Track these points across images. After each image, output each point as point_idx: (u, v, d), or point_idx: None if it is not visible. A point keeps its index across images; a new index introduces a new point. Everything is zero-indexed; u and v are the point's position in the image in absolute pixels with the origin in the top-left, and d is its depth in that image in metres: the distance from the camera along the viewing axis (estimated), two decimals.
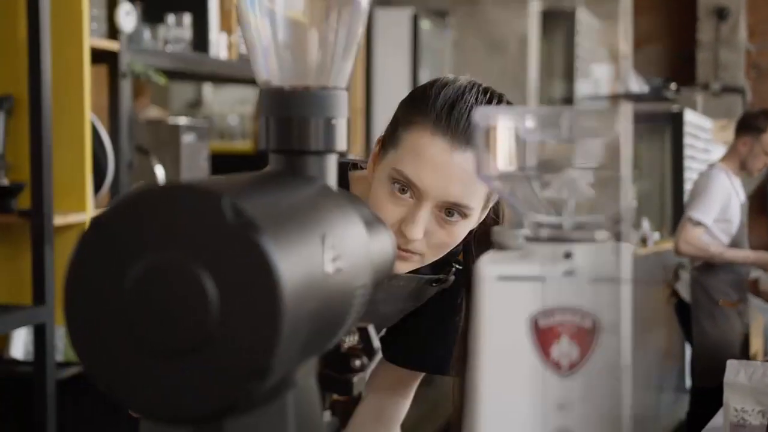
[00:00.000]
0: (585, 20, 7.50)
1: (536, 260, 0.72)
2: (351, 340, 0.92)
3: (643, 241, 5.92)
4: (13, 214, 2.44)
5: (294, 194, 0.75)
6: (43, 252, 2.37)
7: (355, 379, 0.90)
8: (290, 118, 0.82)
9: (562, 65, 7.41)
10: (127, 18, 2.71)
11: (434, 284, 1.42)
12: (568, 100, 7.34)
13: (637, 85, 5.69)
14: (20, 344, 2.61)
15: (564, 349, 0.70)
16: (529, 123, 0.73)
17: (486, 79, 1.39)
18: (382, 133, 1.33)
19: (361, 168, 1.42)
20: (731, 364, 2.02)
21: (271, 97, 0.83)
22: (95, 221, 0.64)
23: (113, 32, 2.73)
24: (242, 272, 0.62)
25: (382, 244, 0.89)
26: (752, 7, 9.73)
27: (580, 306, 0.70)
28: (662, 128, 6.95)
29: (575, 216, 0.74)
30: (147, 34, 3.01)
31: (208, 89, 6.09)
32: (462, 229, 1.27)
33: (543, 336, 0.70)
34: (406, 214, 1.25)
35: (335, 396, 0.96)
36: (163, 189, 0.64)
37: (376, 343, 0.94)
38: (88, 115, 2.56)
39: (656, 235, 6.13)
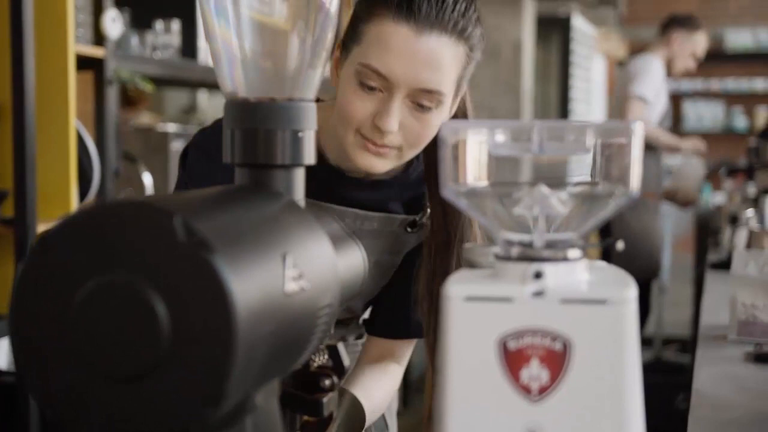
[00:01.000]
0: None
1: (506, 280, 0.69)
2: (320, 359, 0.90)
3: None
4: None
5: (255, 210, 0.72)
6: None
7: (325, 399, 0.87)
8: (256, 130, 0.80)
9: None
10: (114, 24, 2.68)
11: (409, 229, 1.39)
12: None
13: None
14: (4, 354, 2.58)
15: (534, 372, 0.67)
16: (499, 137, 0.71)
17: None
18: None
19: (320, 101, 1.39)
20: (739, 255, 1.93)
21: (236, 108, 0.81)
22: (43, 238, 0.62)
23: (100, 39, 2.70)
24: (194, 294, 0.59)
25: (351, 259, 0.86)
26: None
27: (551, 328, 0.67)
28: (549, 32, 7.04)
29: (546, 233, 0.71)
30: (135, 40, 2.98)
31: (202, 95, 6.06)
32: (436, 118, 1.24)
33: (512, 359, 0.67)
34: (378, 107, 1.22)
35: (305, 417, 0.94)
36: (113, 206, 0.62)
37: (347, 361, 0.91)
38: (73, 122, 2.53)
39: None
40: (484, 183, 0.72)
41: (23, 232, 2.36)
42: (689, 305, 5.65)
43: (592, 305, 0.67)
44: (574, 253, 0.70)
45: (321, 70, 0.84)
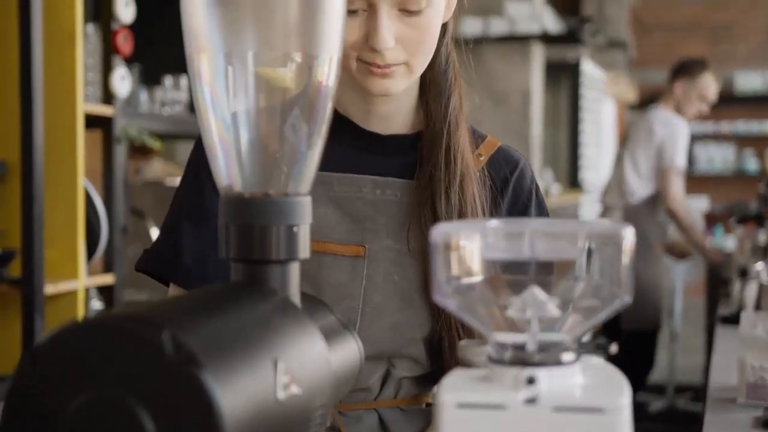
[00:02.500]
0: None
1: (498, 385, 0.69)
2: None
3: (546, 192, 5.94)
4: (3, 282, 2.42)
5: (247, 314, 0.72)
6: (34, 322, 2.34)
7: None
8: (250, 226, 0.80)
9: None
10: (123, 83, 2.70)
11: None
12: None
13: (552, 23, 5.69)
14: None
15: None
16: (490, 239, 0.71)
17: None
18: None
19: None
20: (746, 317, 1.90)
21: (231, 204, 0.81)
22: (32, 352, 0.62)
23: (108, 97, 2.72)
24: (182, 410, 0.59)
25: (346, 353, 0.85)
26: None
27: None
28: (559, 77, 7.07)
29: (540, 333, 0.71)
30: (144, 96, 3.01)
31: None
32: (432, 18, 1.16)
33: None
34: (366, 29, 1.14)
35: None
36: (102, 319, 0.62)
37: None
38: (81, 181, 2.54)
39: (557, 187, 6.18)
40: (475, 284, 0.72)
41: (30, 293, 2.36)
42: (702, 352, 5.61)
43: (586, 413, 0.66)
44: (567, 356, 0.70)
45: (315, 165, 0.84)
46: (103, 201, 2.68)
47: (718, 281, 4.79)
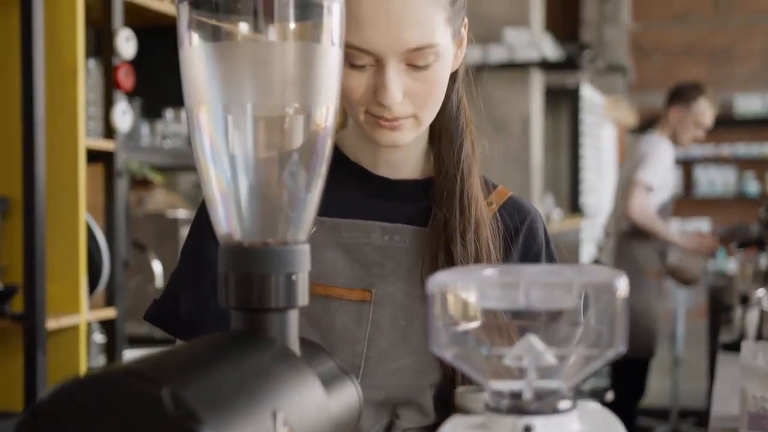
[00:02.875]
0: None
1: None
2: None
3: (547, 218, 5.94)
4: (5, 318, 2.42)
5: (246, 365, 0.72)
6: (36, 357, 2.35)
7: None
8: (250, 274, 0.81)
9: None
10: (124, 117, 2.72)
11: None
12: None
13: (551, 50, 5.71)
14: None
15: None
16: (486, 289, 0.72)
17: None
18: None
19: None
20: (747, 346, 1.89)
21: (230, 253, 0.82)
22: (34, 408, 0.63)
23: (110, 131, 2.74)
24: None
25: (345, 399, 0.86)
26: None
27: None
28: (559, 102, 7.09)
29: (536, 380, 0.72)
30: (145, 129, 3.02)
31: None
32: (440, 71, 1.15)
33: None
34: (374, 83, 1.13)
35: None
36: (102, 375, 0.63)
37: None
38: (83, 216, 2.55)
39: (558, 212, 6.18)
40: (471, 333, 0.73)
41: (32, 329, 2.37)
42: (705, 376, 5.60)
43: None
44: (564, 404, 0.70)
45: (314, 212, 0.85)
46: (104, 235, 2.69)
47: (720, 306, 4.78)
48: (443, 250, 1.21)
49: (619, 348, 0.70)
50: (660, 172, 4.37)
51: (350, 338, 1.20)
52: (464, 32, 1.23)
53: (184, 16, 0.80)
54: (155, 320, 1.27)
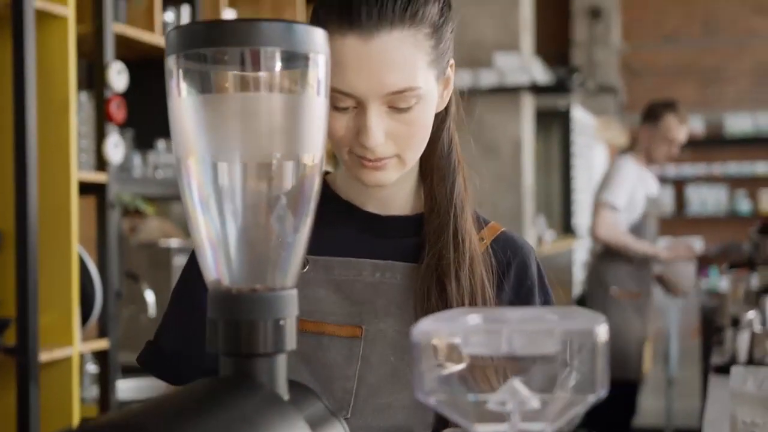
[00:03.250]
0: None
1: None
2: None
3: (539, 240, 5.94)
4: None
5: (233, 412, 0.74)
6: (29, 390, 2.35)
7: None
8: (238, 321, 0.82)
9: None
10: (116, 150, 2.74)
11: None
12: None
13: (541, 74, 5.74)
14: None
15: None
16: (470, 336, 0.73)
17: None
18: None
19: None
20: (737, 372, 1.90)
21: (219, 299, 0.83)
22: None
23: (102, 163, 2.75)
24: None
25: None
26: (625, 7, 10.04)
27: None
28: (550, 124, 7.12)
29: (520, 423, 0.73)
30: (137, 160, 3.04)
31: None
32: (423, 113, 1.17)
33: None
34: (356, 125, 1.15)
35: None
36: (91, 428, 0.64)
37: None
38: (76, 249, 2.56)
39: (551, 234, 6.20)
40: (456, 379, 0.74)
41: (25, 362, 2.37)
42: (699, 395, 5.61)
43: None
44: None
45: (301, 257, 0.86)
46: (97, 266, 2.70)
47: (712, 326, 4.79)
48: (437, 287, 1.22)
49: (600, 392, 0.72)
50: (625, 192, 4.38)
51: (341, 375, 1.21)
52: (450, 72, 1.24)
53: (172, 67, 0.82)
54: (148, 366, 1.30)
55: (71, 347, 2.55)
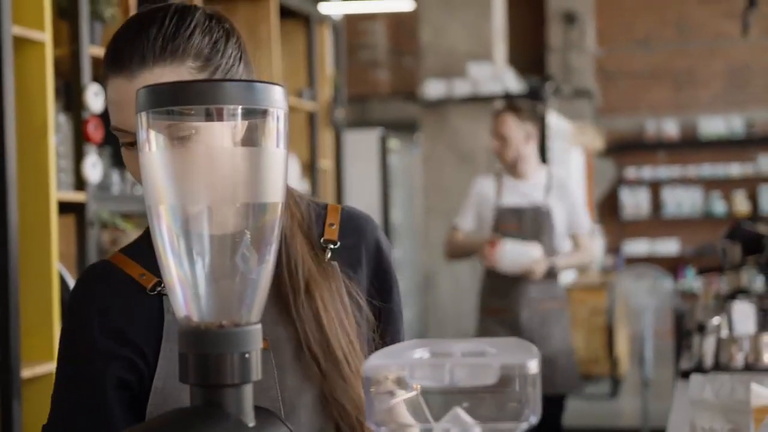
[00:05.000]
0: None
1: None
2: None
3: None
4: None
5: None
6: (12, 406, 2.41)
7: None
8: (207, 354, 0.89)
9: None
10: (94, 169, 2.80)
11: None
12: None
13: (514, 83, 5.72)
14: None
15: None
16: (415, 371, 0.81)
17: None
18: None
19: None
20: (695, 379, 1.97)
21: (189, 335, 0.90)
22: None
23: (80, 182, 2.82)
24: None
25: None
26: (600, 12, 10.18)
27: None
28: None
29: None
30: (116, 177, 3.10)
31: None
32: (209, 143, 1.18)
33: None
34: None
35: None
36: None
37: None
38: (56, 267, 2.63)
39: None
40: (403, 408, 0.82)
41: (7, 377, 2.43)
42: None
43: None
44: None
45: (266, 292, 0.93)
46: None
47: (682, 329, 4.89)
48: (284, 313, 1.28)
49: (532, 418, 0.80)
50: (469, 212, 4.15)
51: (264, 386, 1.25)
52: None
53: (142, 124, 0.89)
54: None
55: (52, 363, 2.61)
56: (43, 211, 2.61)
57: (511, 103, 4.22)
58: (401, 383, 0.81)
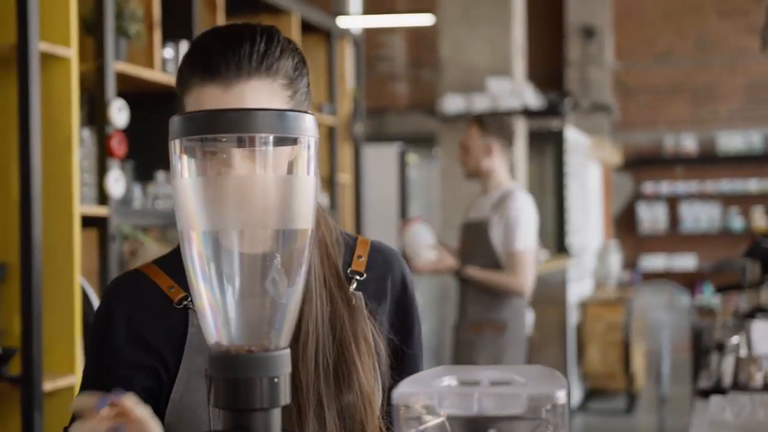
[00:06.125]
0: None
1: None
2: None
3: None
4: (3, 380, 2.51)
5: None
6: (33, 419, 2.43)
7: None
8: (236, 379, 0.91)
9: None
10: (117, 184, 2.82)
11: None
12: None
13: (533, 98, 5.71)
14: None
15: None
16: (444, 400, 0.82)
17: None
18: None
19: None
20: (715, 400, 1.97)
21: (219, 359, 0.92)
22: None
23: (103, 197, 2.84)
24: None
25: None
26: (619, 26, 10.15)
27: None
28: (543, 145, 7.18)
29: None
30: (138, 191, 3.12)
31: None
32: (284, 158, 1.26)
33: None
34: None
35: None
36: None
37: None
38: (78, 281, 2.65)
39: (544, 254, 6.24)
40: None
41: (30, 390, 2.45)
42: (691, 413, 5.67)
43: None
44: None
45: (294, 319, 0.95)
46: (99, 297, 2.78)
47: (701, 346, 4.86)
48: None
49: None
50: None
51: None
52: None
53: (176, 151, 0.91)
54: None
55: (74, 376, 2.64)
56: (66, 225, 2.63)
57: (478, 117, 4.23)
58: (430, 410, 0.82)
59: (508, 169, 4.14)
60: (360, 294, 1.33)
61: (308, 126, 0.92)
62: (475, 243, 4.02)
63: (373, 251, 1.38)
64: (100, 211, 2.81)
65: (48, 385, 2.54)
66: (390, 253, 1.40)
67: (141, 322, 1.28)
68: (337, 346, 1.28)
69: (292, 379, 1.19)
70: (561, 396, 0.80)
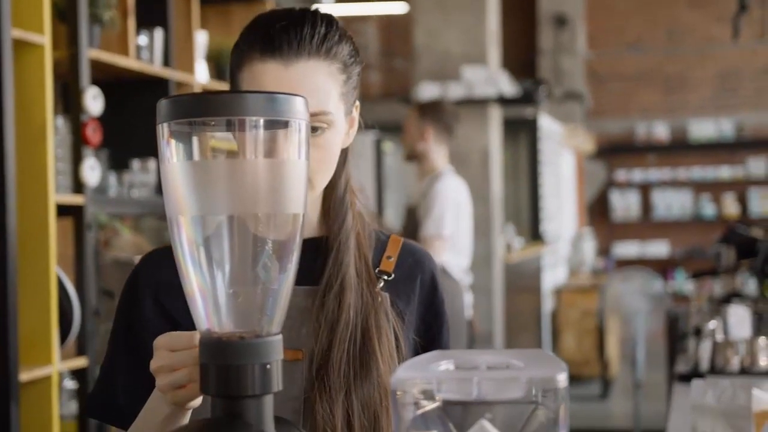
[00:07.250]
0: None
1: None
2: None
3: (508, 247, 5.97)
4: None
5: None
6: (9, 409, 2.40)
7: None
8: (228, 366, 0.89)
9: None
10: (92, 172, 2.79)
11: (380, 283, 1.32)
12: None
13: (508, 86, 5.75)
14: None
15: None
16: (442, 384, 0.81)
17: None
18: None
19: None
20: (697, 384, 1.97)
21: (210, 346, 0.90)
22: None
23: (79, 185, 2.81)
24: None
25: None
26: (591, 15, 10.21)
27: None
28: (517, 133, 7.23)
29: None
30: (113, 179, 3.09)
31: None
32: (333, 139, 1.25)
33: None
34: None
35: None
36: None
37: None
38: (54, 270, 2.62)
39: (519, 241, 6.27)
40: (431, 421, 0.82)
41: (6, 381, 2.42)
42: (666, 398, 5.72)
43: None
44: None
45: (285, 305, 0.93)
46: (75, 286, 2.75)
47: (677, 329, 4.88)
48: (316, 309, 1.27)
49: (563, 431, 0.80)
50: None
51: (289, 396, 1.24)
52: (356, 114, 1.33)
53: (163, 135, 0.89)
54: (100, 416, 1.32)
55: (51, 366, 2.61)
56: (41, 214, 2.60)
57: (419, 103, 4.31)
58: (428, 395, 0.81)
59: (446, 155, 4.18)
60: (386, 294, 1.32)
61: (299, 109, 0.90)
62: (410, 227, 4.09)
63: (404, 252, 1.37)
64: (75, 199, 2.77)
65: (24, 376, 2.51)
66: (422, 254, 1.39)
67: (166, 298, 1.28)
68: (362, 334, 1.27)
69: (326, 360, 1.21)
70: (561, 379, 0.79)
